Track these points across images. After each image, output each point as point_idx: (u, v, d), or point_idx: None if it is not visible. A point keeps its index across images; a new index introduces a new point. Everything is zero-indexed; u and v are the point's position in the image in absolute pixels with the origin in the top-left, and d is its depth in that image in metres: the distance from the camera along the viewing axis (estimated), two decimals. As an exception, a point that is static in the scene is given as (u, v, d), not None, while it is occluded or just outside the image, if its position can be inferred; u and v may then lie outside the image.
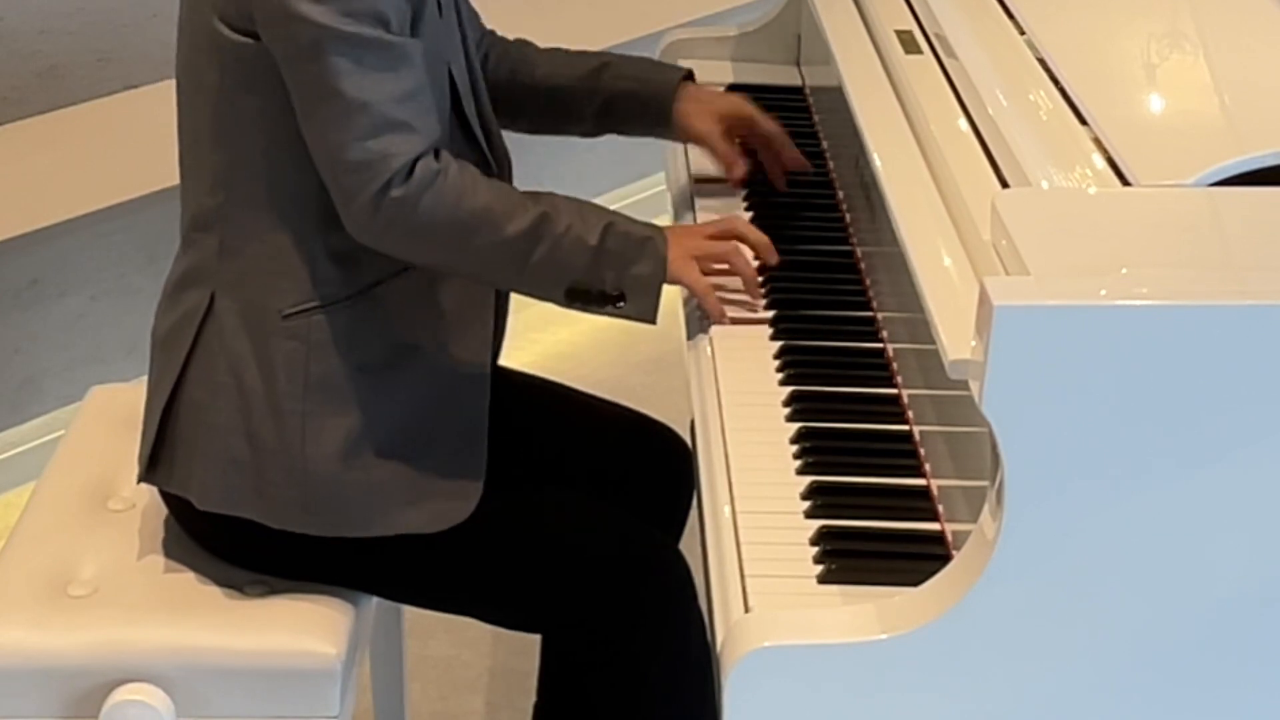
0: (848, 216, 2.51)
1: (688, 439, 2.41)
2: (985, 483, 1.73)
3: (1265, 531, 1.68)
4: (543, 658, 2.32)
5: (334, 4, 2.02)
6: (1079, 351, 1.61)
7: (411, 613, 2.68)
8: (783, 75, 2.93)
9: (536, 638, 2.31)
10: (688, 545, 2.28)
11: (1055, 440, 1.64)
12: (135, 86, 3.78)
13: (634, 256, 2.17)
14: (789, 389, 2.14)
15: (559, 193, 2.21)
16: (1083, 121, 1.98)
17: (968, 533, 1.73)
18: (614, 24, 4.31)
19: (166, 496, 2.27)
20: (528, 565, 2.22)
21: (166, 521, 2.31)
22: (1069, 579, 1.68)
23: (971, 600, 1.68)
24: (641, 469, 2.44)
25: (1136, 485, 1.65)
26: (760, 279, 2.30)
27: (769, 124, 2.54)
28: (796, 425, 2.08)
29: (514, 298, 2.31)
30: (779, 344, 2.23)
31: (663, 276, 2.19)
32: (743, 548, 1.88)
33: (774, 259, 2.30)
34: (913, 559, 1.85)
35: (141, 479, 2.25)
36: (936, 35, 2.31)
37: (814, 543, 1.89)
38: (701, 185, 2.59)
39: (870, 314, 2.29)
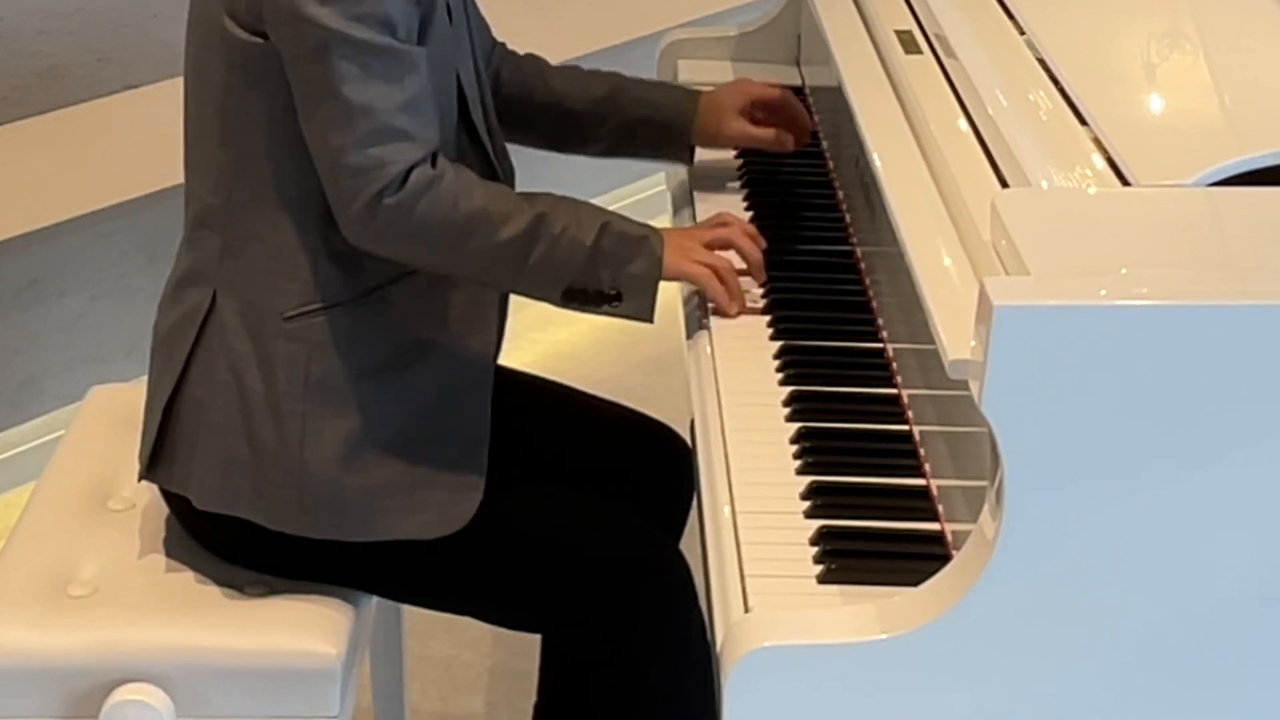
0: (848, 216, 2.51)
1: (688, 439, 2.41)
2: (985, 483, 1.73)
3: (1265, 531, 1.68)
4: (543, 658, 2.32)
5: (342, 7, 2.02)
6: (1079, 351, 1.61)
7: (411, 613, 2.67)
8: (783, 75, 2.93)
9: (536, 638, 2.31)
10: (688, 545, 2.28)
11: (1055, 440, 1.64)
12: (135, 86, 3.78)
13: (630, 255, 2.17)
14: (789, 389, 2.14)
15: (558, 193, 2.21)
16: (1083, 121, 1.98)
17: (968, 533, 1.73)
18: (614, 24, 4.31)
19: (167, 495, 2.28)
20: (528, 565, 2.22)
21: (166, 521, 2.31)
22: (1069, 579, 1.68)
23: (971, 600, 1.68)
24: (641, 469, 2.44)
25: (1136, 485, 1.65)
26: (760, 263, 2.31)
27: (772, 91, 2.56)
28: (796, 425, 2.08)
29: (514, 298, 2.31)
30: (779, 344, 2.23)
31: (659, 274, 2.19)
32: (743, 548, 1.88)
33: (761, 243, 2.31)
34: (913, 559, 1.85)
35: (142, 477, 2.25)
36: (936, 35, 2.31)
37: (814, 543, 1.89)
38: (701, 185, 2.59)
39: (870, 314, 2.29)
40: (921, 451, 2.04)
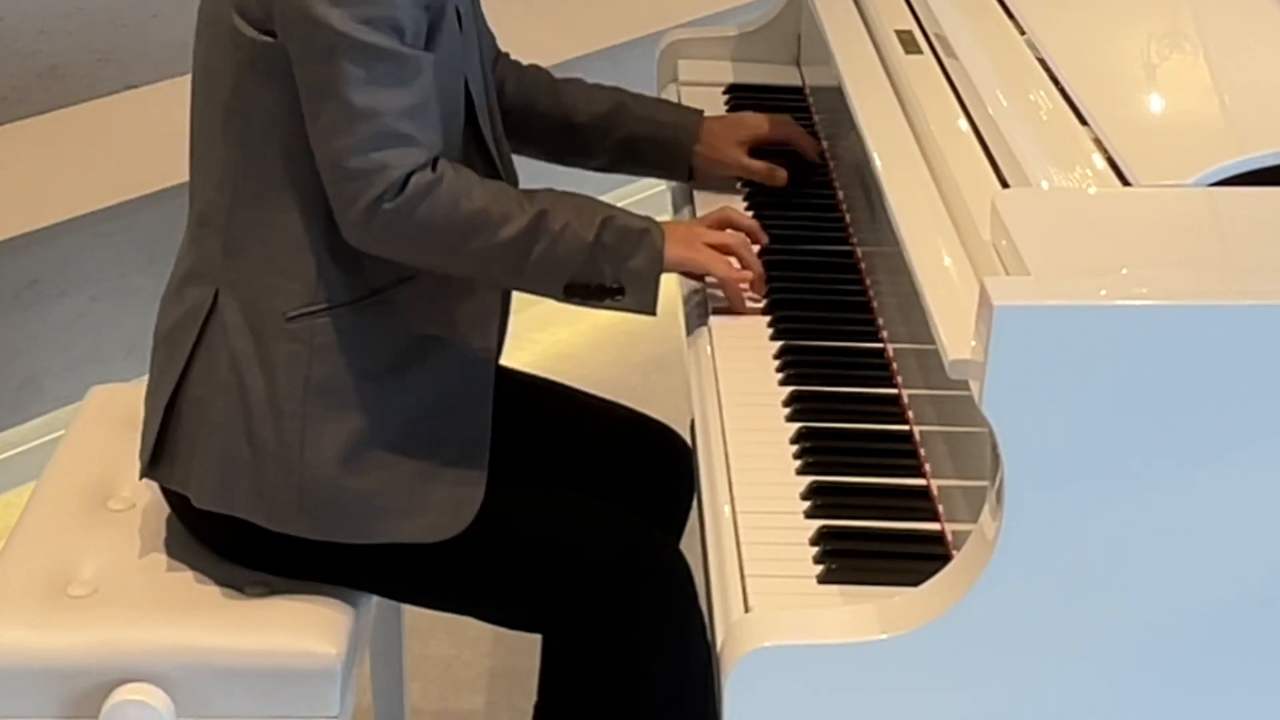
0: (848, 216, 2.51)
1: (688, 439, 2.41)
2: (985, 483, 1.73)
3: (1265, 531, 1.68)
4: (543, 658, 2.32)
5: (352, 9, 2.03)
6: (1079, 351, 1.61)
7: (411, 613, 2.67)
8: (783, 75, 2.93)
9: (537, 638, 2.31)
10: (688, 545, 2.28)
11: (1055, 440, 1.64)
12: (135, 86, 3.78)
13: (631, 250, 2.17)
14: (789, 389, 2.14)
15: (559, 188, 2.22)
16: (1083, 121, 1.98)
17: (968, 533, 1.73)
18: (614, 24, 4.31)
19: (167, 493, 2.28)
20: (528, 565, 2.22)
21: (166, 521, 2.31)
22: (1069, 579, 1.68)
23: (971, 600, 1.68)
24: (642, 469, 2.44)
25: (1136, 485, 1.65)
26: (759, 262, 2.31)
27: (779, 130, 2.58)
28: (796, 425, 2.08)
29: (515, 300, 2.31)
30: (779, 344, 2.23)
31: (660, 267, 2.19)
32: (743, 548, 1.88)
33: (763, 239, 2.32)
34: (913, 559, 1.85)
35: (143, 475, 2.25)
36: (936, 35, 2.31)
37: (814, 543, 1.89)
38: (701, 184, 2.59)
39: (870, 314, 2.29)
40: (921, 451, 2.04)
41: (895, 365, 2.19)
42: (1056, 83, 2.07)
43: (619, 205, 2.26)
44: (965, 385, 1.68)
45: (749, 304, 2.28)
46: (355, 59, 2.04)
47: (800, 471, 2.01)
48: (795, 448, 2.05)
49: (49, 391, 3.53)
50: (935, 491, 1.97)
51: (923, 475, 2.01)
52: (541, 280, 2.17)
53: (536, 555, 2.22)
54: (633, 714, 2.23)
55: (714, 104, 2.82)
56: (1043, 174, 1.89)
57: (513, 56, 2.51)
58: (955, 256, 1.89)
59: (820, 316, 2.28)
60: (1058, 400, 1.62)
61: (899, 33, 2.36)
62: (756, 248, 2.32)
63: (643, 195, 4.17)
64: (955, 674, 1.71)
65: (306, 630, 2.17)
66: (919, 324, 1.90)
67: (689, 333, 2.30)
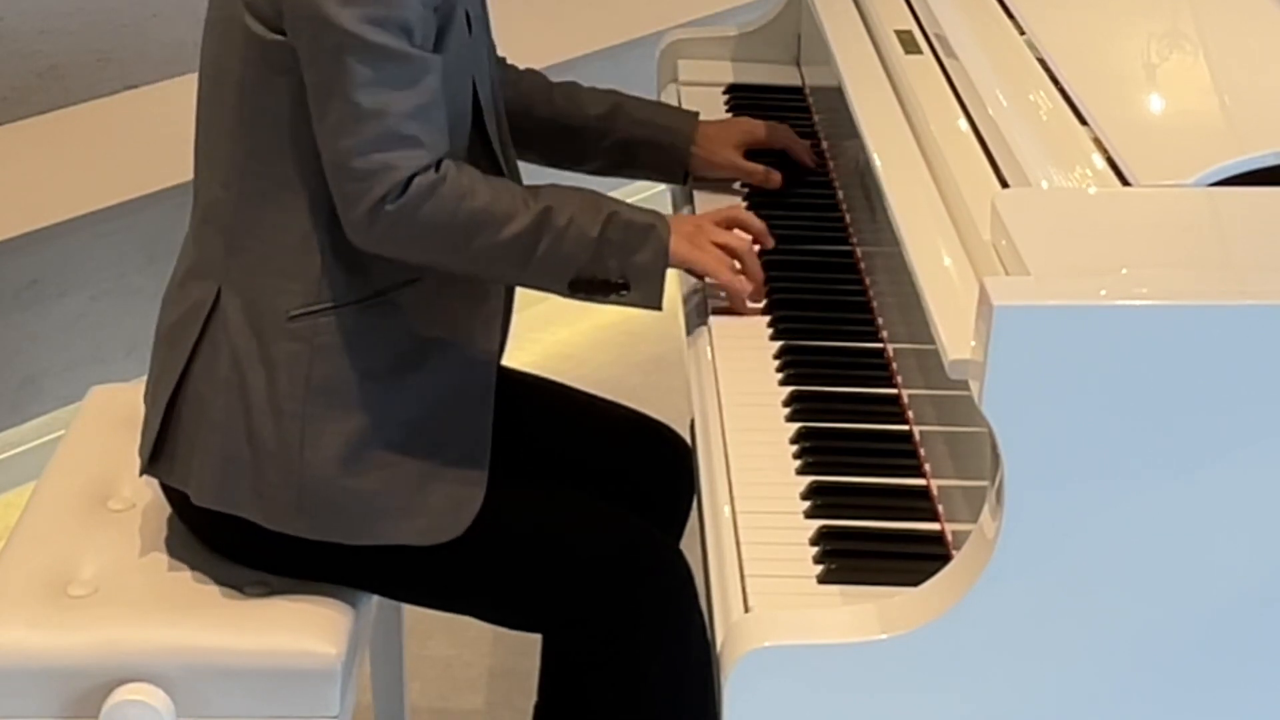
0: (848, 216, 2.51)
1: (688, 439, 2.41)
2: (985, 483, 1.73)
3: (1265, 531, 1.68)
4: (543, 657, 2.32)
5: (362, 10, 2.03)
6: (1079, 351, 1.61)
7: (411, 613, 2.68)
8: (783, 75, 2.93)
9: (537, 638, 2.31)
10: (688, 545, 2.28)
11: (1055, 440, 1.64)
12: (135, 86, 3.78)
13: (636, 245, 2.18)
14: (789, 389, 2.14)
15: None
16: (1083, 121, 1.98)
17: (968, 533, 1.73)
18: (614, 24, 4.31)
19: (167, 491, 2.28)
20: (528, 565, 2.22)
21: (167, 521, 2.31)
22: (1069, 579, 1.68)
23: (971, 600, 1.68)
24: (642, 469, 2.44)
25: (1136, 485, 1.65)
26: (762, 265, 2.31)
27: (776, 137, 2.58)
28: (796, 425, 2.08)
29: (517, 300, 2.31)
30: (779, 344, 2.23)
31: (665, 263, 2.19)
32: (743, 548, 1.88)
33: (770, 243, 2.32)
34: (913, 559, 1.85)
35: (143, 471, 2.25)
36: (936, 35, 2.31)
37: (814, 543, 1.89)
38: (701, 184, 2.59)
39: (870, 314, 2.29)
40: (921, 451, 2.04)
41: (895, 365, 2.19)
42: (1056, 83, 2.07)
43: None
44: (965, 385, 1.68)
45: (749, 305, 2.28)
46: (363, 59, 2.04)
47: (800, 471, 2.01)
48: (795, 448, 2.04)
49: (49, 391, 3.53)
50: (935, 491, 1.97)
51: (923, 475, 2.01)
52: (547, 276, 2.17)
53: (536, 555, 2.22)
54: (633, 714, 2.23)
55: (714, 104, 2.82)
56: (1043, 174, 1.89)
57: (511, 59, 2.52)
58: (955, 256, 1.89)
59: (820, 316, 2.28)
60: (1057, 400, 1.62)
61: (899, 33, 2.36)
62: (757, 247, 2.32)
63: (643, 195, 4.18)
64: (955, 674, 1.71)
65: (306, 630, 2.17)
66: (919, 324, 1.90)
67: (689, 333, 2.29)
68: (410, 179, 2.07)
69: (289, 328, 2.15)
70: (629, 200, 2.27)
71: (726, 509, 1.95)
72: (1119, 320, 1.62)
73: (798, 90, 2.88)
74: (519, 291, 2.31)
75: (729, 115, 2.77)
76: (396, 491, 2.16)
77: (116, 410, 2.50)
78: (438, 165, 2.10)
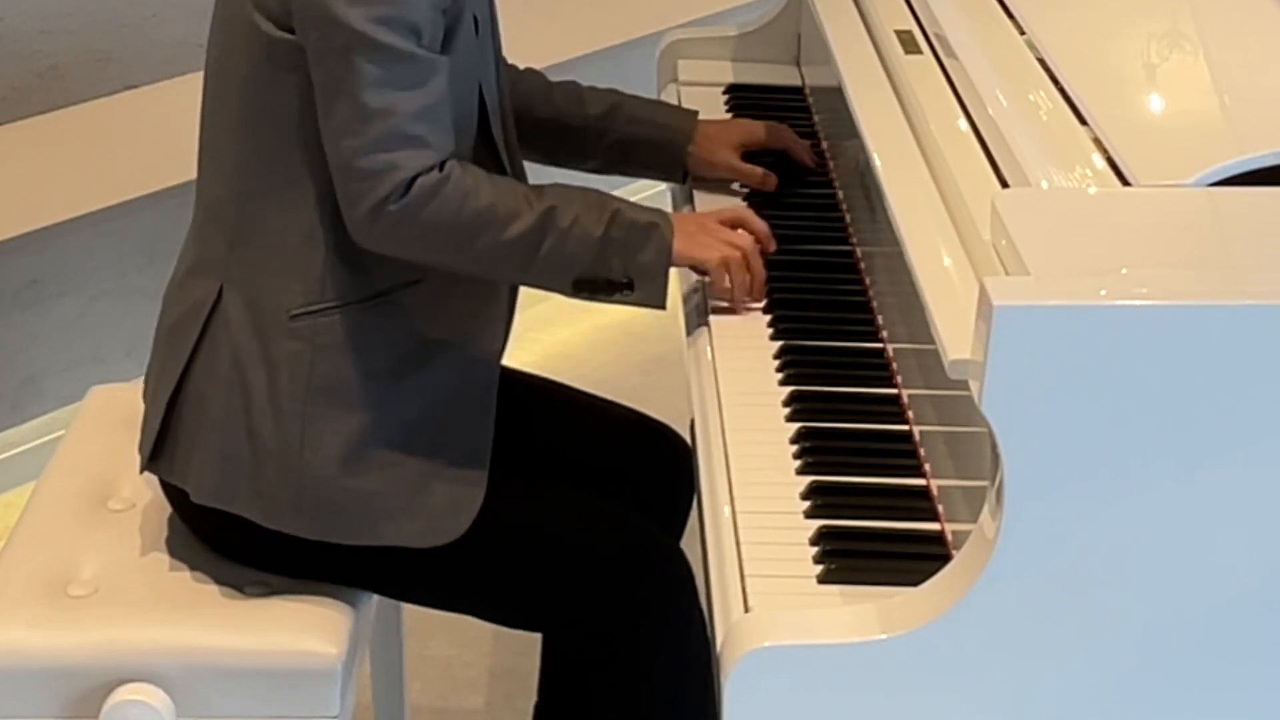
0: (848, 216, 2.51)
1: (688, 439, 2.41)
2: (985, 483, 1.73)
3: (1265, 531, 1.68)
4: (543, 657, 2.32)
5: (369, 9, 2.03)
6: (1079, 351, 1.61)
7: (411, 612, 2.68)
8: (783, 75, 2.93)
9: (537, 638, 2.31)
10: (688, 545, 2.28)
11: (1055, 440, 1.64)
12: (135, 86, 3.78)
13: (640, 244, 2.18)
14: (789, 389, 2.14)
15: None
16: (1083, 121, 1.98)
17: (968, 533, 1.73)
18: (614, 24, 4.31)
19: (167, 490, 2.28)
20: (528, 564, 2.22)
21: (166, 521, 2.31)
22: (1069, 579, 1.68)
23: (971, 600, 1.68)
24: (642, 469, 2.44)
25: (1136, 485, 1.65)
26: (764, 266, 2.31)
27: (775, 138, 2.58)
28: (796, 425, 2.08)
29: (520, 301, 2.31)
30: (779, 344, 2.23)
31: (669, 262, 2.20)
32: (743, 548, 1.88)
33: (773, 247, 2.32)
34: (913, 559, 1.85)
35: (144, 469, 2.25)
36: (936, 35, 2.31)
37: (814, 543, 1.89)
38: (701, 184, 2.59)
39: (870, 314, 2.29)
40: (921, 451, 2.04)
41: (895, 365, 2.19)
42: (1056, 83, 2.07)
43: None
44: (965, 385, 1.68)
45: (749, 305, 2.28)
46: (371, 58, 2.04)
47: (800, 471, 2.01)
48: (795, 448, 2.04)
49: (49, 391, 3.53)
50: (935, 491, 1.97)
51: (923, 475, 2.01)
52: (550, 276, 2.18)
53: (537, 554, 2.22)
54: (633, 714, 2.23)
55: (714, 104, 2.82)
56: (1043, 174, 1.89)
57: (511, 59, 2.51)
58: (955, 256, 1.89)
59: (820, 316, 2.28)
60: (1057, 400, 1.62)
61: (899, 33, 2.36)
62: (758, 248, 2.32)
63: (644, 195, 4.18)
64: (955, 674, 1.71)
65: (306, 630, 2.17)
66: (919, 324, 1.90)
67: (689, 332, 2.30)
68: (414, 179, 2.07)
69: (291, 326, 2.15)
70: (630, 198, 2.27)
71: (726, 509, 1.95)
72: (1119, 320, 1.62)
73: (798, 90, 2.88)
74: (519, 291, 2.31)
75: (729, 115, 2.77)
76: (396, 492, 2.16)
77: (116, 410, 2.50)
78: (442, 165, 2.10)
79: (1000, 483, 1.66)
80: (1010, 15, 2.27)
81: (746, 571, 1.85)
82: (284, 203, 2.15)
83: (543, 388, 2.49)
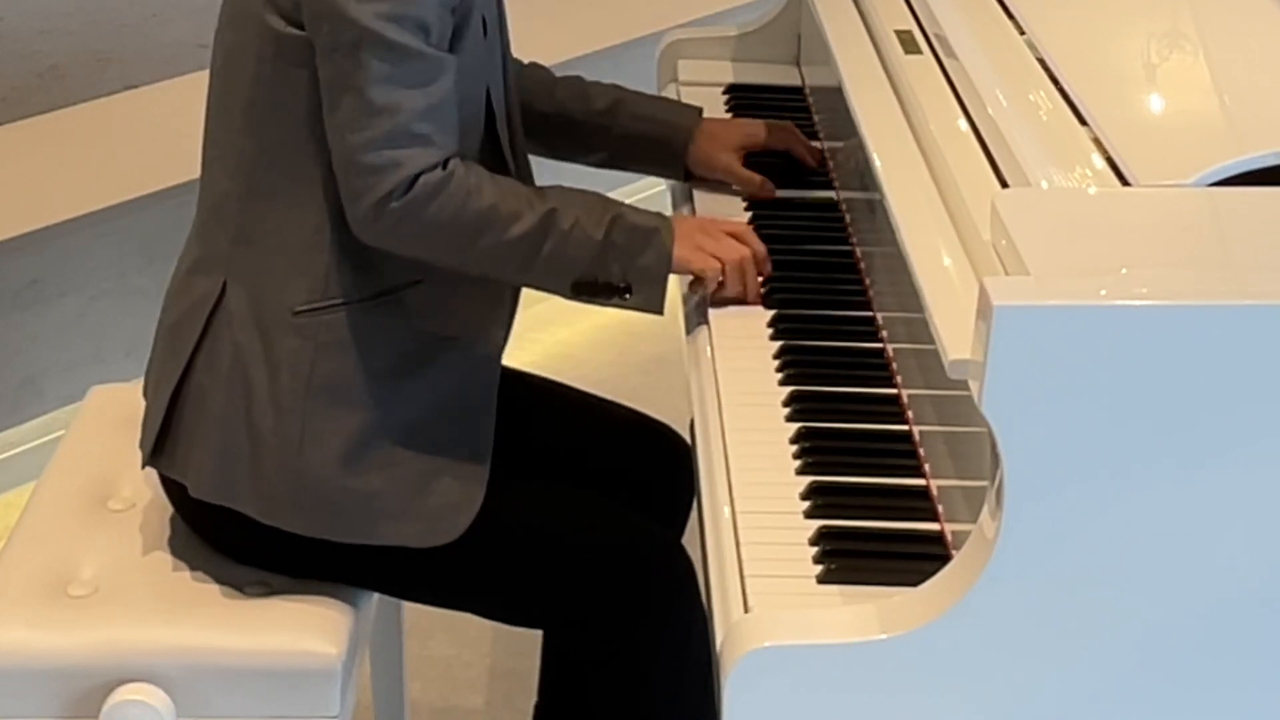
0: (848, 216, 2.51)
1: (688, 439, 2.41)
2: (985, 483, 1.73)
3: (1266, 531, 1.68)
4: (544, 656, 2.32)
5: (379, 6, 2.03)
6: (1079, 351, 1.61)
7: (412, 612, 2.68)
8: (783, 75, 2.93)
9: (537, 637, 2.31)
10: (688, 545, 2.28)
11: (1055, 440, 1.64)
12: (135, 86, 3.78)
13: (639, 249, 2.18)
14: (789, 389, 2.14)
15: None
16: (1083, 121, 1.98)
17: (968, 533, 1.73)
18: (614, 24, 4.31)
19: (167, 487, 2.27)
20: (529, 562, 2.22)
21: (166, 521, 2.31)
22: (1069, 579, 1.68)
23: (971, 600, 1.68)
24: (642, 469, 2.44)
25: (1136, 485, 1.65)
26: (759, 279, 2.30)
27: (778, 138, 2.58)
28: (796, 425, 2.08)
29: (521, 301, 2.31)
30: (779, 344, 2.23)
31: (668, 267, 2.20)
32: (743, 548, 1.88)
33: (769, 270, 2.32)
34: (913, 559, 1.85)
35: (145, 463, 2.25)
36: (936, 35, 2.31)
37: (814, 543, 1.89)
38: (701, 183, 2.59)
39: (870, 314, 2.29)
40: (921, 451, 2.04)
41: (895, 365, 2.19)
42: (1056, 83, 2.07)
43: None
44: (965, 385, 1.68)
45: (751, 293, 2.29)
46: (380, 55, 2.05)
47: (800, 471, 2.01)
48: (795, 448, 2.04)
49: (49, 391, 3.53)
50: (935, 491, 1.97)
51: (923, 475, 2.01)
52: (550, 278, 2.18)
53: (537, 553, 2.22)
54: (633, 713, 2.23)
55: (714, 104, 2.82)
56: (1043, 174, 1.89)
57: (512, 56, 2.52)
58: (955, 256, 1.89)
59: (820, 316, 2.28)
60: (1057, 400, 1.62)
61: (899, 33, 2.36)
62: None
63: (644, 195, 4.18)
64: (955, 674, 1.71)
65: (306, 630, 2.17)
66: (919, 324, 1.90)
67: (689, 333, 2.29)
68: (417, 177, 2.07)
69: (294, 323, 2.15)
70: (631, 197, 2.27)
71: (726, 509, 1.95)
72: (1119, 320, 1.61)
73: (798, 90, 2.88)
74: (521, 291, 2.31)
75: (729, 115, 2.77)
76: (395, 492, 2.16)
77: (116, 410, 2.50)
78: (445, 164, 2.10)
79: (1000, 483, 1.66)
80: (1010, 15, 2.27)
81: (746, 571, 1.85)
82: (289, 200, 2.15)
83: (543, 387, 2.49)
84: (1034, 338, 1.61)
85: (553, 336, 3.99)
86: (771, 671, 1.70)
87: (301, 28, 2.10)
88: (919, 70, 2.25)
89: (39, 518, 2.34)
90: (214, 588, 2.22)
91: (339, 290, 2.16)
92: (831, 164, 2.63)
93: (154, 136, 3.59)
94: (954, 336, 1.73)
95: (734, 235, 2.29)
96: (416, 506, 2.16)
